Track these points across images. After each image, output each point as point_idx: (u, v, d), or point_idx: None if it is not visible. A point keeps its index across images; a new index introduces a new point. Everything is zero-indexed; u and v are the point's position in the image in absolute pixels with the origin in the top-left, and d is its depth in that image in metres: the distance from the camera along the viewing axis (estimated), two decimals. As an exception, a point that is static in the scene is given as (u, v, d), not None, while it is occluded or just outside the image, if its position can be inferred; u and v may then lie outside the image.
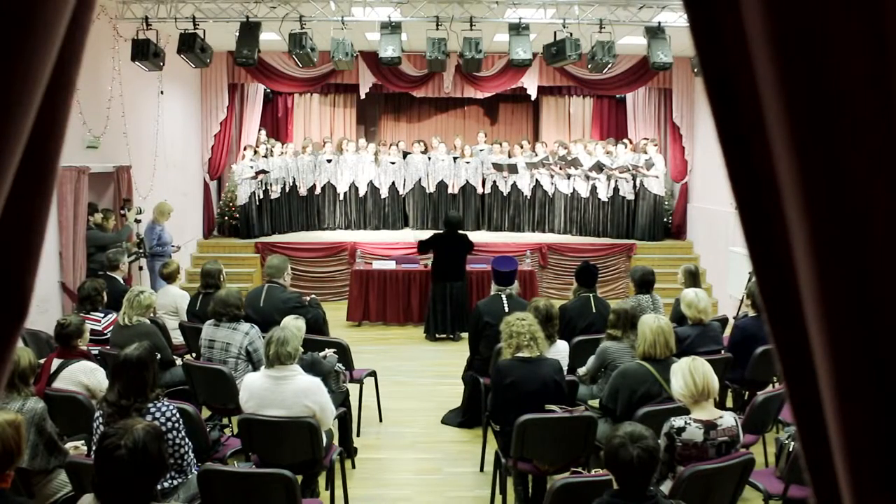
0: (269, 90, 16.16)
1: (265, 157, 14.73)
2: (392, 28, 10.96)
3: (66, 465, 4.49)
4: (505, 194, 15.33)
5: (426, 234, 11.48)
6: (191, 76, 14.28)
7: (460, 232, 11.10)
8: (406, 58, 13.89)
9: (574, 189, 14.98)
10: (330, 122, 17.50)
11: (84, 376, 5.62)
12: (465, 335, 9.30)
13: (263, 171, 14.23)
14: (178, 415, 4.55)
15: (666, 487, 4.27)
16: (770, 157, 0.67)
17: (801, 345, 0.71)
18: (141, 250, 10.61)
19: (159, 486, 4.06)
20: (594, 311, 7.49)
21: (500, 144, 15.69)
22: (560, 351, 6.30)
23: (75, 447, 5.02)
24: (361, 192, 15.39)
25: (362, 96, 15.59)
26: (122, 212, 10.40)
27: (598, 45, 11.30)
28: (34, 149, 0.75)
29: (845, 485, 0.69)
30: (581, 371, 6.53)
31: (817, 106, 0.61)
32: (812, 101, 0.61)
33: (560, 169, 14.94)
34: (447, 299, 10.93)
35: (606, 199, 14.74)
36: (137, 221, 10.58)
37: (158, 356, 6.32)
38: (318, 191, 15.41)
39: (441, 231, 11.25)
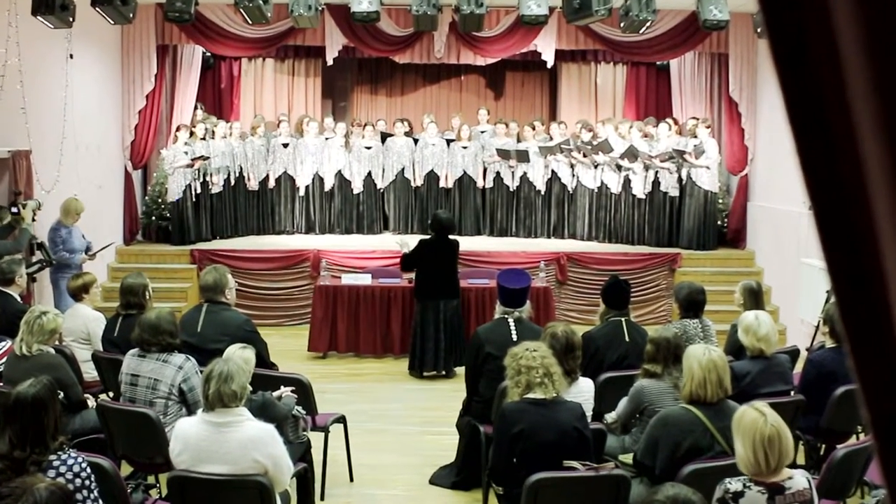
0: (209, 54, 16.16)
1: (204, 139, 14.72)
2: (369, -25, 10.99)
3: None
4: (512, 189, 15.36)
5: (412, 240, 11.45)
6: (109, 36, 14.26)
7: (451, 237, 11.13)
8: (386, 13, 13.91)
9: (602, 182, 15.00)
10: (288, 96, 17.51)
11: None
12: (461, 370, 9.28)
13: (202, 158, 14.21)
14: (88, 470, 4.53)
15: (719, 567, 4.26)
16: (854, 139, 0.67)
17: (895, 384, 0.71)
18: (43, 258, 10.46)
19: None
20: (627, 339, 7.49)
21: (507, 125, 15.72)
22: (583, 391, 6.30)
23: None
24: (328, 186, 15.41)
25: (329, 62, 15.58)
26: (14, 210, 10.20)
27: (633, -3, 11.35)
28: None
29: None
30: (610, 417, 6.52)
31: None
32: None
33: (584, 156, 14.96)
34: (439, 324, 10.92)
35: (644, 196, 14.77)
36: (34, 220, 10.44)
37: (63, 395, 6.30)
38: (271, 183, 15.42)
39: (427, 237, 11.25)
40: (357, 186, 15.41)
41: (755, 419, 4.40)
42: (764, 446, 4.31)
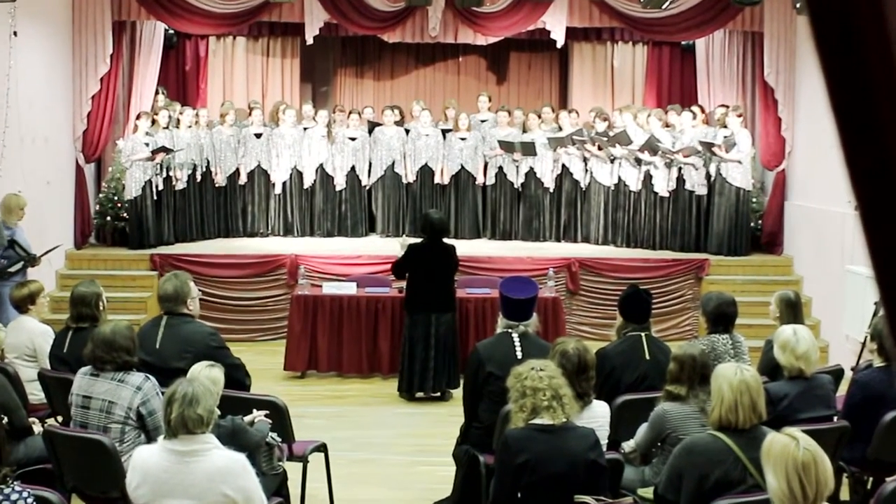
0: (172, 31, 16.14)
1: (168, 128, 14.70)
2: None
3: None
4: (517, 186, 15.36)
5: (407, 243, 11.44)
6: (58, 11, 14.26)
7: (446, 241, 11.12)
8: (374, -14, 13.94)
9: (619, 178, 15.01)
10: (261, 79, 17.51)
11: None
12: (458, 392, 9.27)
13: (164, 150, 14.19)
14: (34, 506, 4.53)
15: None
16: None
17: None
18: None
19: None
20: (647, 357, 7.49)
21: (511, 113, 15.73)
22: (597, 416, 6.30)
23: None
24: (307, 182, 15.41)
25: (309, 41, 15.58)
26: None
27: (654, -31, 11.39)
28: None
29: None
30: (628, 446, 6.53)
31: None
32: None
33: (599, 149, 14.97)
34: (430, 340, 10.90)
35: (667, 194, 14.77)
36: None
37: (5, 420, 6.30)
38: (242, 179, 15.42)
39: (419, 241, 11.23)
40: (340, 183, 15.39)
41: (786, 444, 4.39)
42: (799, 473, 4.30)
